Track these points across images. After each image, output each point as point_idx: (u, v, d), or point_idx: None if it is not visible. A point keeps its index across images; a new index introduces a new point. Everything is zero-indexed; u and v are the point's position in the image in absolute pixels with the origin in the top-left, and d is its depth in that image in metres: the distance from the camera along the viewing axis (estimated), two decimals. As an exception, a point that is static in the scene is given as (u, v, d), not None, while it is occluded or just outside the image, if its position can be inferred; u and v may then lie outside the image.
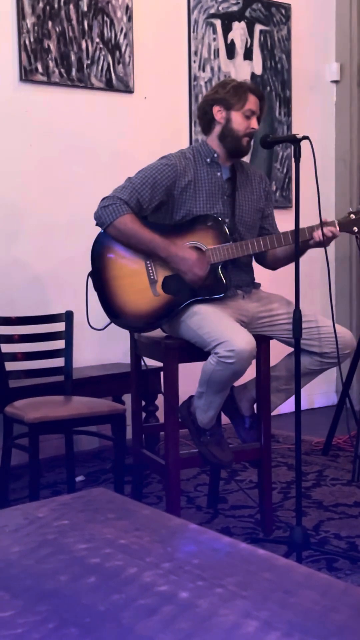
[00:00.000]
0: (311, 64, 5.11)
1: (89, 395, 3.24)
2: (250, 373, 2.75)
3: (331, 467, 3.73)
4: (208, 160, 2.86)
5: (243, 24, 4.70)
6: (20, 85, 3.82)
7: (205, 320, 2.67)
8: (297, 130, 4.53)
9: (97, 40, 4.05)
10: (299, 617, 0.99)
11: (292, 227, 2.61)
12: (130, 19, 4.16)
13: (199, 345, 2.68)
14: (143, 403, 3.48)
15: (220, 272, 2.76)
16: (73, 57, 3.96)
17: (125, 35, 4.15)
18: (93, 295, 2.80)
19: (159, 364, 2.99)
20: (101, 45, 4.06)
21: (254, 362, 2.70)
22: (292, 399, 2.73)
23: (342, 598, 1.05)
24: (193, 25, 4.46)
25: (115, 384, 3.73)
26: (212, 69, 4.55)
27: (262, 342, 2.83)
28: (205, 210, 2.81)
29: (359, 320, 5.17)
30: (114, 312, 2.79)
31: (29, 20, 3.79)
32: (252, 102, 2.83)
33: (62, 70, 3.93)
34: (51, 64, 3.88)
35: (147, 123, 4.27)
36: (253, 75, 4.76)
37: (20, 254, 3.85)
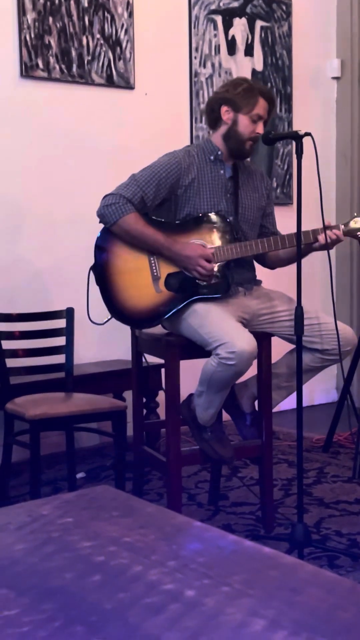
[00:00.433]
0: (312, 61, 5.10)
1: (90, 392, 3.23)
2: (252, 370, 2.74)
3: (332, 464, 3.73)
4: (212, 157, 2.85)
5: (244, 20, 4.69)
6: (20, 81, 3.81)
7: (206, 320, 2.66)
8: (298, 126, 4.53)
9: (98, 36, 4.03)
10: (306, 615, 0.99)
11: (293, 224, 2.59)
12: (131, 15, 4.15)
13: (199, 344, 2.68)
14: (144, 400, 3.47)
15: (223, 271, 2.76)
16: (74, 53, 3.95)
17: (126, 32, 4.13)
18: (94, 290, 2.79)
19: (160, 361, 2.99)
20: (102, 42, 4.05)
21: (255, 359, 2.70)
22: (293, 395, 2.73)
23: (348, 596, 1.05)
24: (194, 22, 4.45)
25: (116, 380, 3.73)
26: (212, 65, 4.54)
27: (263, 339, 2.83)
28: (208, 208, 2.79)
29: (359, 317, 5.16)
30: (116, 307, 2.78)
31: (30, 16, 3.78)
32: (261, 107, 2.79)
33: (63, 66, 3.92)
34: (52, 60, 3.87)
35: (147, 119, 4.25)
36: (254, 71, 4.75)
37: (21, 250, 3.84)
